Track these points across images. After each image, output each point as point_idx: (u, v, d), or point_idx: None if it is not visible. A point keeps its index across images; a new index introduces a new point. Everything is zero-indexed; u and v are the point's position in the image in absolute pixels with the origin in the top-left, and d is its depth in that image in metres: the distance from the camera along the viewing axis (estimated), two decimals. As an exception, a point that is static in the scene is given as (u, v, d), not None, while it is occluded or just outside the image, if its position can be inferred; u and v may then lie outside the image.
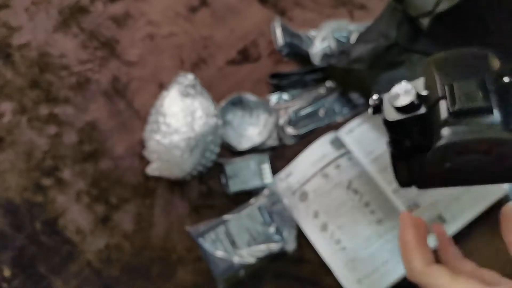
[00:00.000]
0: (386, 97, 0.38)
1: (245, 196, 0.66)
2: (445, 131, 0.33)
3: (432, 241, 0.43)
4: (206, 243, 0.62)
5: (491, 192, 0.63)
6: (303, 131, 0.69)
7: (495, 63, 0.35)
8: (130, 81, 0.75)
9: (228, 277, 0.61)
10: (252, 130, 0.71)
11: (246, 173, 0.66)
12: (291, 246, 0.62)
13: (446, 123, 0.33)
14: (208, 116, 0.64)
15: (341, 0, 0.77)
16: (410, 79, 0.64)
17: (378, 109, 0.39)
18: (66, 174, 0.71)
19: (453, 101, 0.33)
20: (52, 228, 0.68)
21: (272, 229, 0.63)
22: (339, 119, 0.70)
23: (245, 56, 0.75)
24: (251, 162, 0.66)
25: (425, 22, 0.61)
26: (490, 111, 0.32)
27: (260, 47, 0.76)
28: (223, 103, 0.70)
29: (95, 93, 0.75)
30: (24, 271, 0.67)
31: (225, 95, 0.71)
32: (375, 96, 0.40)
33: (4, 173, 0.71)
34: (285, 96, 0.72)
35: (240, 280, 0.62)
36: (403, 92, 0.36)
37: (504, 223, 0.39)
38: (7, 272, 0.67)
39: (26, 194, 0.70)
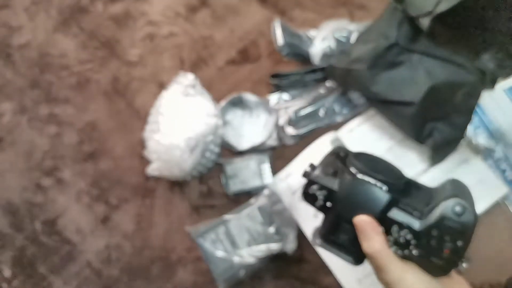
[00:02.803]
0: None
1: (245, 196, 0.66)
2: None
3: None
4: (206, 243, 0.62)
5: (490, 194, 0.63)
6: (303, 131, 0.69)
7: None
8: (130, 81, 0.75)
9: (228, 277, 0.61)
10: (252, 130, 0.70)
11: (246, 173, 0.66)
12: (291, 246, 0.62)
13: None
14: (208, 116, 0.64)
15: (341, 0, 0.77)
16: (410, 79, 0.64)
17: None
18: (66, 174, 0.71)
19: None
20: (52, 228, 0.68)
21: (272, 229, 0.63)
22: (339, 119, 0.70)
23: (245, 56, 0.75)
24: (251, 162, 0.66)
25: (425, 22, 0.61)
26: None
27: (260, 47, 0.76)
28: (223, 103, 0.70)
29: (95, 93, 0.75)
30: (24, 271, 0.67)
31: (225, 95, 0.71)
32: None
33: (4, 173, 0.71)
34: (285, 96, 0.72)
35: (240, 280, 0.62)
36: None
37: None
38: (7, 272, 0.67)
39: (26, 194, 0.70)
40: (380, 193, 0.42)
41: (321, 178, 0.45)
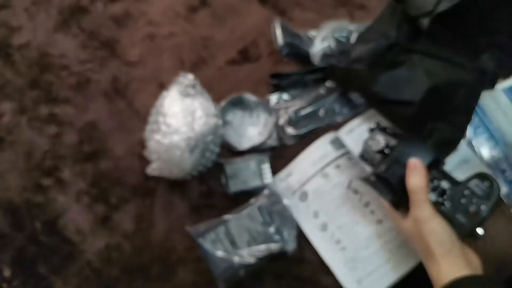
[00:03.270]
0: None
1: (245, 196, 0.66)
2: None
3: None
4: (206, 243, 0.62)
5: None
6: (303, 131, 0.69)
7: None
8: (130, 81, 0.75)
9: (228, 277, 0.61)
10: (252, 130, 0.71)
11: (246, 173, 0.66)
12: (291, 246, 0.62)
13: None
14: (208, 116, 0.64)
15: (341, 0, 0.78)
16: (410, 79, 0.64)
17: None
18: (66, 174, 0.71)
19: None
20: (52, 228, 0.68)
21: (272, 229, 0.63)
22: (339, 119, 0.70)
23: (245, 56, 0.75)
24: (251, 162, 0.66)
25: (425, 22, 0.61)
26: None
27: (260, 47, 0.76)
28: (223, 103, 0.70)
29: (95, 93, 0.75)
30: (24, 271, 0.67)
31: (225, 95, 0.71)
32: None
33: (4, 173, 0.71)
34: (285, 96, 0.72)
35: (240, 280, 0.62)
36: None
37: None
38: (7, 272, 0.67)
39: (26, 194, 0.70)
40: (432, 152, 0.55)
41: (387, 130, 0.59)
